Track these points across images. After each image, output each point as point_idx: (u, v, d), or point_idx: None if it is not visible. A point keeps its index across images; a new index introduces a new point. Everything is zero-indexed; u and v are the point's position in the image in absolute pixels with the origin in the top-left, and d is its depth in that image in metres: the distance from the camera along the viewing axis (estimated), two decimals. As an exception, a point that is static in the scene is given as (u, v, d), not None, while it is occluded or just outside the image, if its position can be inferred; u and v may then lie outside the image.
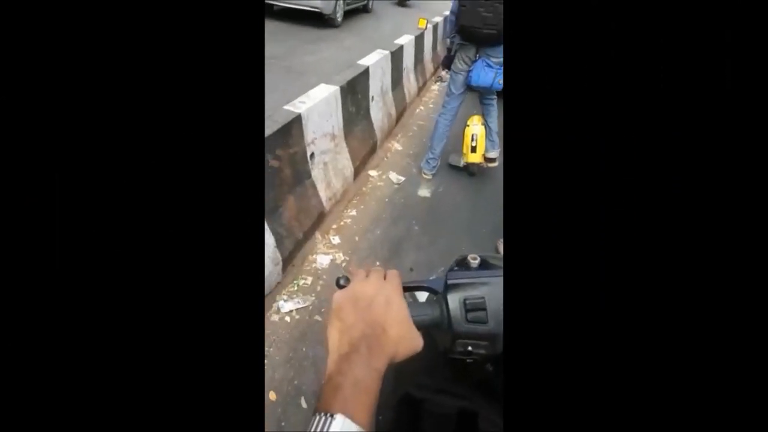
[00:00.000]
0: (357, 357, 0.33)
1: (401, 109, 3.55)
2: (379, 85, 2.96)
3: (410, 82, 3.85)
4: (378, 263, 2.09)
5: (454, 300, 0.42)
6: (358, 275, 0.41)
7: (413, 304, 0.44)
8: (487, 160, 2.77)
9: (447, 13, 2.87)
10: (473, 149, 2.67)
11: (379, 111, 3.01)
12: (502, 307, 0.40)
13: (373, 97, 2.85)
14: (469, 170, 2.83)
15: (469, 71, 2.40)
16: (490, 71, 2.34)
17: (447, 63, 2.60)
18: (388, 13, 8.37)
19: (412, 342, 0.37)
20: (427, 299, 0.48)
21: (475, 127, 2.66)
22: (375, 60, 2.82)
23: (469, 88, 2.48)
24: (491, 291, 0.41)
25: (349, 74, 2.44)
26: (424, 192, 2.74)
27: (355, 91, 2.49)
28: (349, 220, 2.34)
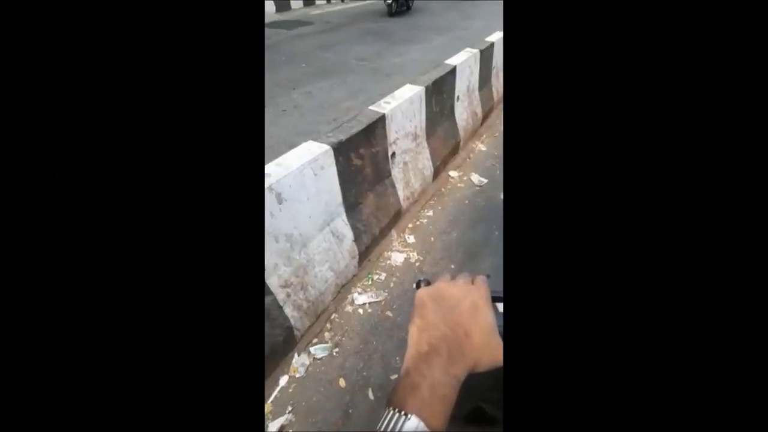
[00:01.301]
0: (437, 359, 0.32)
1: (488, 109, 3.42)
2: (465, 84, 2.89)
3: (499, 80, 3.69)
4: (453, 266, 2.06)
5: None
6: (444, 277, 0.40)
7: (500, 314, 0.42)
8: None
9: None
10: None
11: (464, 111, 2.95)
12: None
13: (458, 96, 2.80)
14: None
15: None
16: None
17: None
18: (479, 12, 8.13)
19: (496, 352, 0.35)
20: None
21: None
22: (463, 59, 2.76)
23: None
24: None
25: (435, 74, 2.43)
26: (506, 196, 2.61)
27: (440, 91, 2.48)
28: (425, 220, 2.34)
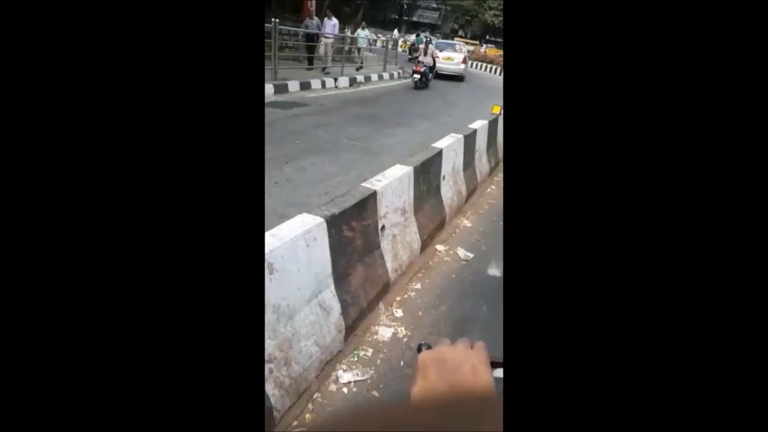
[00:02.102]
0: (437, 419, 0.31)
1: (472, 188, 3.63)
2: (451, 165, 3.10)
3: (482, 162, 3.98)
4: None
5: None
6: (444, 342, 0.40)
7: (499, 379, 0.43)
8: None
9: None
10: None
11: (449, 189, 3.12)
12: None
13: (444, 176, 2.98)
14: None
15: None
16: None
17: None
18: (461, 101, 8.99)
19: (496, 415, 0.34)
20: None
21: None
22: (448, 143, 3.00)
23: None
24: None
25: (423, 156, 2.62)
26: (494, 271, 2.66)
27: (427, 171, 2.64)
28: (413, 294, 2.33)
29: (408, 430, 0.30)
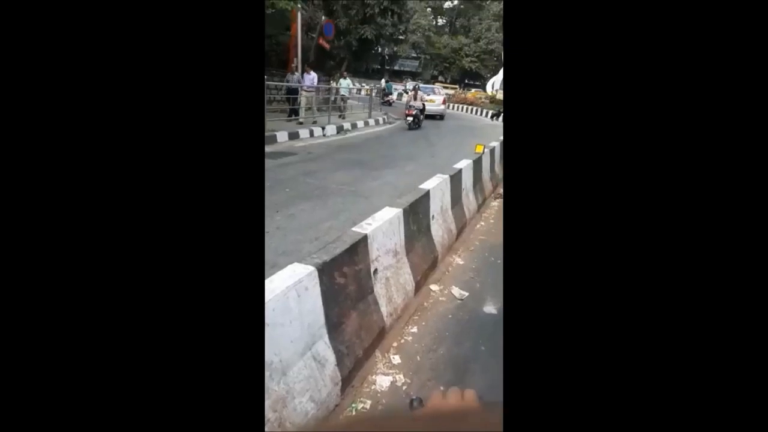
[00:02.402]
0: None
1: (461, 226, 3.67)
2: (439, 204, 3.15)
3: (470, 200, 4.05)
4: (441, 387, 1.93)
5: None
6: (436, 395, 0.40)
7: None
8: None
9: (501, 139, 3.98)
10: None
11: (439, 228, 3.14)
12: None
13: (433, 215, 3.02)
14: None
15: None
16: None
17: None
18: (444, 142, 9.30)
19: None
20: None
21: None
22: (435, 183, 3.07)
23: None
24: None
25: (411, 197, 2.66)
26: (490, 309, 2.62)
27: (416, 212, 2.68)
28: (410, 338, 2.27)
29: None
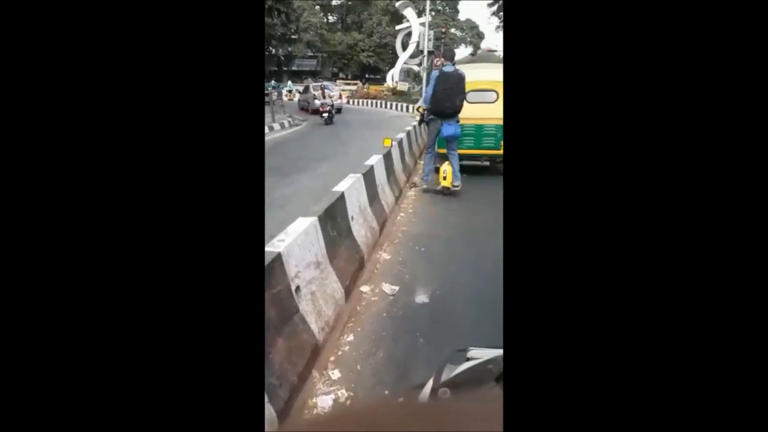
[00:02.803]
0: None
1: (382, 221, 3.66)
2: (356, 204, 3.09)
3: (386, 194, 4.06)
4: (387, 392, 1.88)
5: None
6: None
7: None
8: (454, 186, 4.74)
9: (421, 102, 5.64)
10: (444, 179, 4.73)
11: (361, 228, 3.09)
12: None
13: (352, 216, 2.95)
14: (444, 192, 4.78)
15: (439, 128, 4.59)
16: (450, 126, 4.58)
17: (421, 121, 5.07)
18: (354, 139, 9.30)
19: None
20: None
21: (446, 167, 4.75)
22: (349, 184, 2.99)
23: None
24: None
25: (325, 203, 2.55)
26: (422, 298, 2.65)
27: (334, 216, 2.58)
28: (347, 348, 2.18)
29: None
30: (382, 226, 3.64)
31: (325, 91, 12.78)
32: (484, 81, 5.31)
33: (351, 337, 2.26)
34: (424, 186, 4.96)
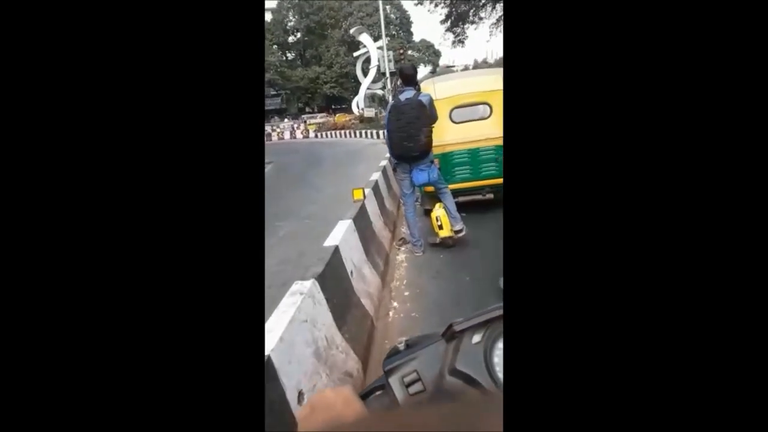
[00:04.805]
0: None
1: (362, 346, 2.29)
2: (312, 334, 1.73)
3: (366, 281, 2.71)
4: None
5: (394, 382, 0.47)
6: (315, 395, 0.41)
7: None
8: (456, 232, 3.47)
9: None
10: (440, 227, 3.45)
11: (323, 363, 1.71)
12: (435, 371, 0.46)
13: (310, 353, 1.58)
14: (446, 244, 3.51)
15: (410, 176, 3.38)
16: (422, 173, 3.33)
17: (394, 169, 4.15)
18: (325, 185, 8.04)
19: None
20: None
21: (438, 211, 3.48)
22: (297, 302, 1.64)
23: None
24: (421, 362, 0.47)
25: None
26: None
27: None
28: None
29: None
30: (363, 355, 2.24)
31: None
32: (471, 93, 4.11)
33: None
34: (419, 251, 3.57)
